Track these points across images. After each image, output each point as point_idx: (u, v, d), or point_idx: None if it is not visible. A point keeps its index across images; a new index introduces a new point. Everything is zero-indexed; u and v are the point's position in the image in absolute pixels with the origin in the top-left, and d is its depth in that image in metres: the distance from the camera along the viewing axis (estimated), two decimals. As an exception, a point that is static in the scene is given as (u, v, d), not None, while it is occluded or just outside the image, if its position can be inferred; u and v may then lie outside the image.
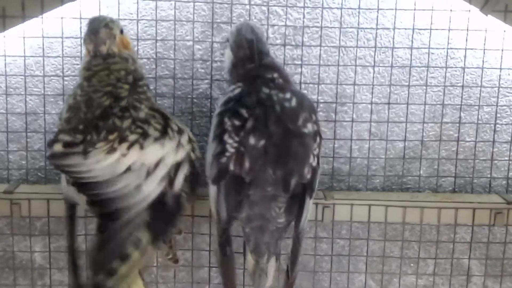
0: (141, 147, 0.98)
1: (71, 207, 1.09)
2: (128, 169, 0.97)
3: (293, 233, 1.04)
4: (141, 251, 1.00)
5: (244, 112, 1.02)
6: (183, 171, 1.03)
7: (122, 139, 0.97)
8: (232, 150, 1.00)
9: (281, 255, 1.09)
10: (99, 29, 1.03)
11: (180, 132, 1.04)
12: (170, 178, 1.01)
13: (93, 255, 0.99)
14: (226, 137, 1.01)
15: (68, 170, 0.98)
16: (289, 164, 1.01)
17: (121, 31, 1.06)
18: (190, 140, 1.04)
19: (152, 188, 0.99)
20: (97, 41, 1.03)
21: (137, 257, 0.99)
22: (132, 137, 0.98)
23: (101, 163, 0.96)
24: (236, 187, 1.00)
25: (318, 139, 1.05)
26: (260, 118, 1.01)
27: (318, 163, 1.05)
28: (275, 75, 1.06)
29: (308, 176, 1.03)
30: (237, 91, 1.05)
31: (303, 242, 1.06)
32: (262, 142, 1.00)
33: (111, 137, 0.97)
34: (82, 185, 0.98)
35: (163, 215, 1.03)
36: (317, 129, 1.05)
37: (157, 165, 1.00)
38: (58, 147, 0.98)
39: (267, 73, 1.06)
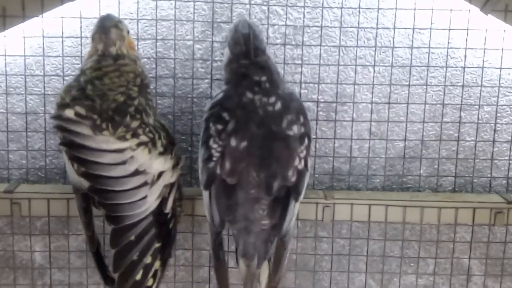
0: (149, 152, 1.00)
1: (85, 197, 1.09)
2: (136, 171, 0.99)
3: (276, 237, 1.03)
4: (158, 280, 1.07)
5: (226, 115, 1.02)
6: (174, 193, 1.07)
7: (134, 135, 0.99)
8: (217, 154, 1.01)
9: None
10: (110, 29, 1.04)
11: (177, 156, 1.08)
12: (164, 199, 1.04)
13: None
14: (211, 142, 1.02)
15: (74, 141, 0.94)
16: (272, 167, 1.00)
17: (128, 32, 1.07)
18: (181, 166, 1.09)
19: (153, 200, 1.02)
20: (108, 41, 1.04)
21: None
22: (143, 138, 1.00)
23: (109, 145, 0.97)
24: (226, 191, 1.01)
25: (306, 141, 1.03)
26: (241, 120, 1.01)
27: (306, 165, 1.03)
28: (263, 78, 1.05)
29: (293, 179, 1.02)
30: (220, 95, 1.06)
31: (289, 247, 1.05)
32: (244, 144, 1.00)
33: (124, 130, 0.99)
34: (93, 178, 0.97)
35: (169, 240, 1.08)
36: (305, 131, 1.04)
37: (159, 177, 1.02)
38: (69, 112, 0.96)
39: (256, 75, 1.05)
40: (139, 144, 0.99)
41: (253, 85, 1.04)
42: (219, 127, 1.01)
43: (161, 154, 1.02)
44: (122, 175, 0.98)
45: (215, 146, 1.01)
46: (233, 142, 1.00)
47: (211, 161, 1.01)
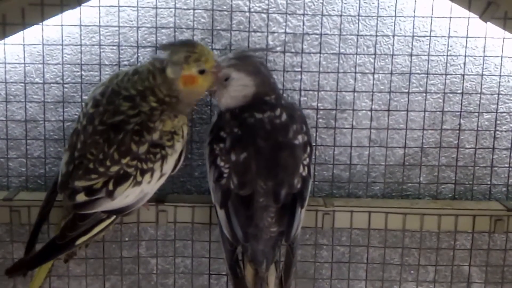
0: (162, 165, 1.03)
1: None
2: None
3: (286, 244, 1.05)
4: None
5: (222, 134, 1.05)
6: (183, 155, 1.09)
7: (142, 172, 1.02)
8: (227, 171, 1.03)
9: (279, 263, 1.09)
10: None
11: (180, 125, 1.05)
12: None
13: None
14: (218, 161, 1.04)
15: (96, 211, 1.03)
16: (280, 175, 1.03)
17: None
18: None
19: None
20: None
21: None
22: (151, 165, 1.03)
23: (130, 198, 1.03)
24: (243, 203, 1.03)
25: (308, 149, 1.07)
26: (243, 135, 1.04)
27: (309, 172, 1.07)
28: (273, 96, 1.08)
29: (298, 186, 1.05)
30: (215, 118, 1.09)
31: (297, 252, 1.07)
32: (244, 156, 1.02)
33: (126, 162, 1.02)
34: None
35: None
36: (308, 140, 1.07)
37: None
38: (81, 197, 1.02)
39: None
40: (152, 174, 1.03)
41: (261, 104, 1.06)
42: (221, 145, 1.04)
43: (173, 154, 1.04)
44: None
45: (222, 164, 1.04)
46: (233, 157, 1.03)
47: (223, 178, 1.04)
